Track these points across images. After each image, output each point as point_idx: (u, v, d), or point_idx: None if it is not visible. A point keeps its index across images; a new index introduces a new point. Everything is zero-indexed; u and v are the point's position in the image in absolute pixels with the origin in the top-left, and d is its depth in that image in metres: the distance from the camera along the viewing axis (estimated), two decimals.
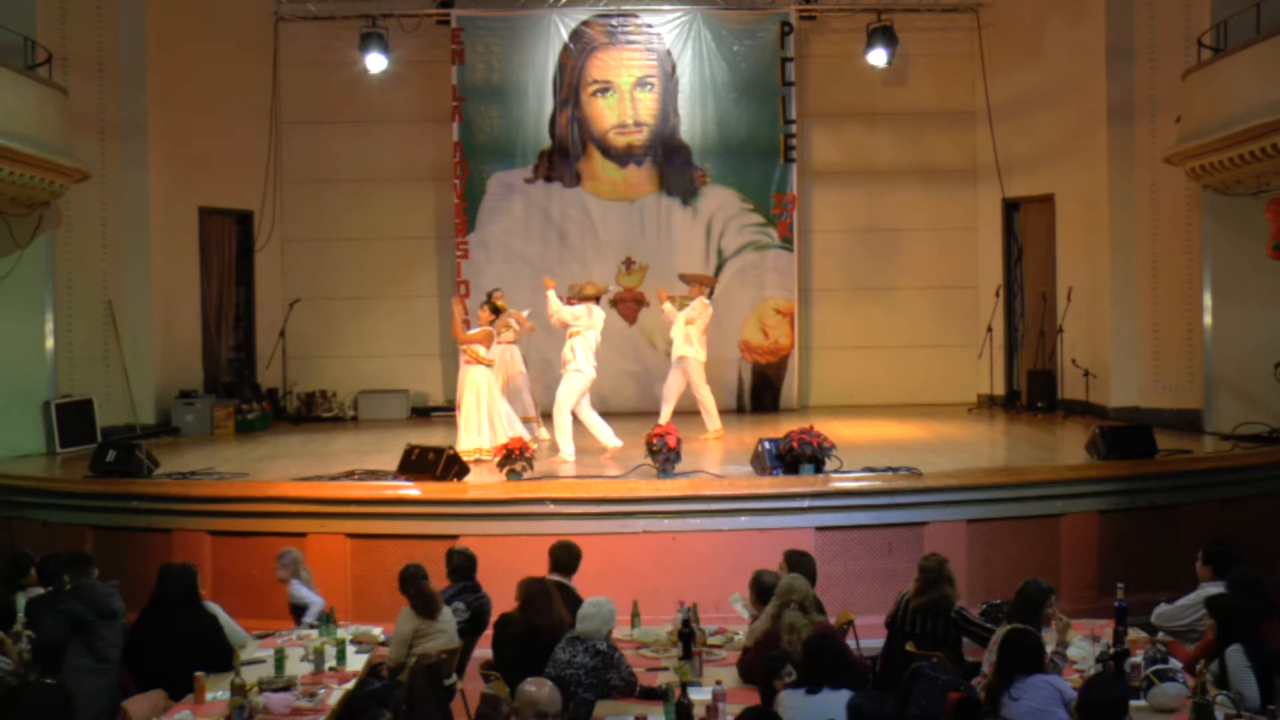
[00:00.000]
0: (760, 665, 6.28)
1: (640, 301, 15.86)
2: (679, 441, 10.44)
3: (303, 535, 9.90)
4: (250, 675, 6.36)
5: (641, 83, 15.89)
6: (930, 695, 5.96)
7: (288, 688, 6.34)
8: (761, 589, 7.02)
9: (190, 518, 10.18)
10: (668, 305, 13.47)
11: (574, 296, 12.29)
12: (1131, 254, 13.84)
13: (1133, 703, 5.82)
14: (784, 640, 6.22)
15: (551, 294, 12.22)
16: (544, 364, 15.63)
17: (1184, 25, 13.23)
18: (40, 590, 7.84)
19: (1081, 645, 6.71)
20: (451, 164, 15.76)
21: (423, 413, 15.70)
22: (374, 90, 15.80)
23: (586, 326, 11.93)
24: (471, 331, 12.03)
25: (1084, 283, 14.50)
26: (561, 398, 11.92)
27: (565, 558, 7.71)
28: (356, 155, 16.07)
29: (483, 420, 11.58)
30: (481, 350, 11.75)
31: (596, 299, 12.20)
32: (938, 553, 7.52)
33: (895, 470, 10.30)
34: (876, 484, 10.12)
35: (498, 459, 10.40)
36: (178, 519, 10.21)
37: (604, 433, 12.04)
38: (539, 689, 5.04)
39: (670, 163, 15.85)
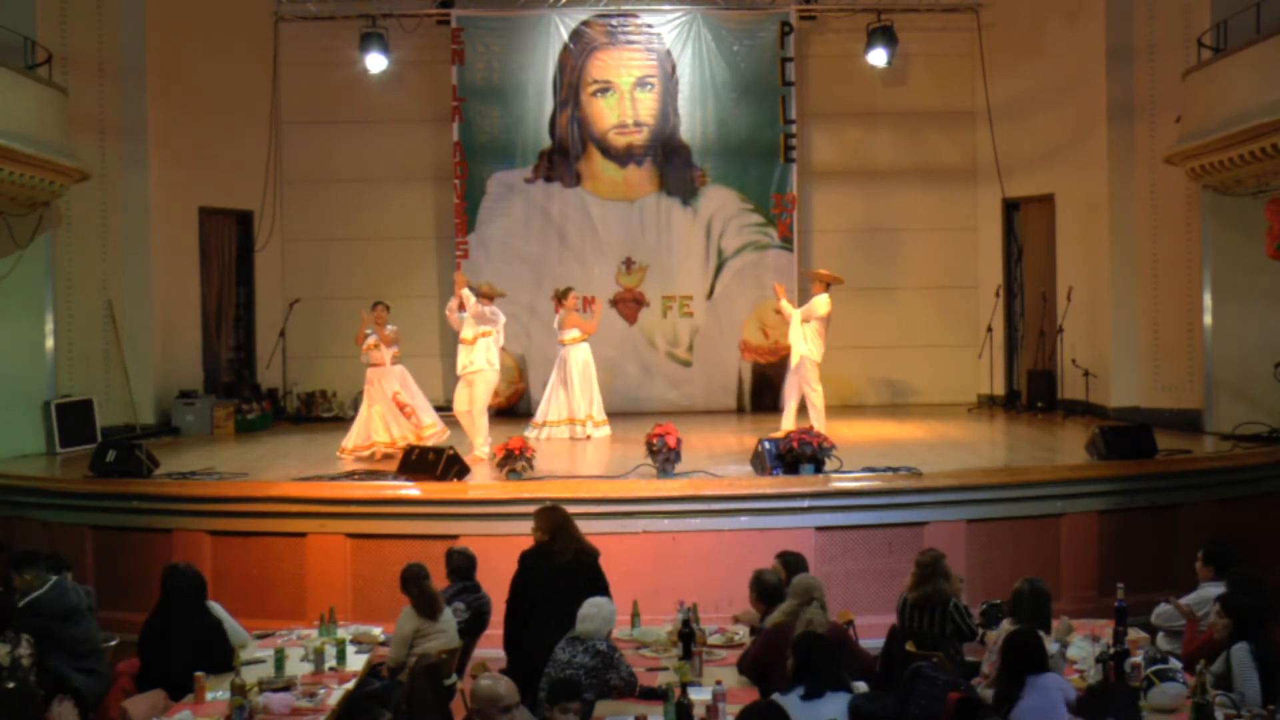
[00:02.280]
0: (764, 659, 6.27)
1: (640, 301, 15.86)
2: (679, 441, 10.45)
3: (303, 535, 9.92)
4: (250, 675, 6.37)
5: (641, 83, 15.89)
6: (930, 695, 5.97)
7: (288, 688, 6.34)
8: (764, 588, 7.03)
9: (190, 518, 10.18)
10: (784, 303, 13.05)
11: (479, 296, 12.21)
12: (1131, 254, 13.84)
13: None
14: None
15: (467, 290, 12.18)
16: (545, 364, 15.65)
17: (1184, 25, 13.23)
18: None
19: (1081, 645, 6.72)
20: (451, 164, 15.75)
21: None
22: (374, 90, 15.80)
23: (501, 325, 12.13)
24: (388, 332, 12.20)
25: (1084, 283, 14.50)
26: (483, 400, 12.04)
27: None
28: (356, 155, 16.07)
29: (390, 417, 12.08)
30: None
31: (492, 300, 12.24)
32: (935, 548, 7.54)
33: (895, 470, 10.30)
34: (876, 484, 10.13)
35: (498, 459, 10.40)
36: (178, 519, 10.21)
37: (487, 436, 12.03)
38: (495, 683, 5.07)
39: (670, 163, 15.85)
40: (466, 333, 12.08)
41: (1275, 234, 11.72)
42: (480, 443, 11.84)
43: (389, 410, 12.10)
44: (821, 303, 12.59)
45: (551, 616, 6.87)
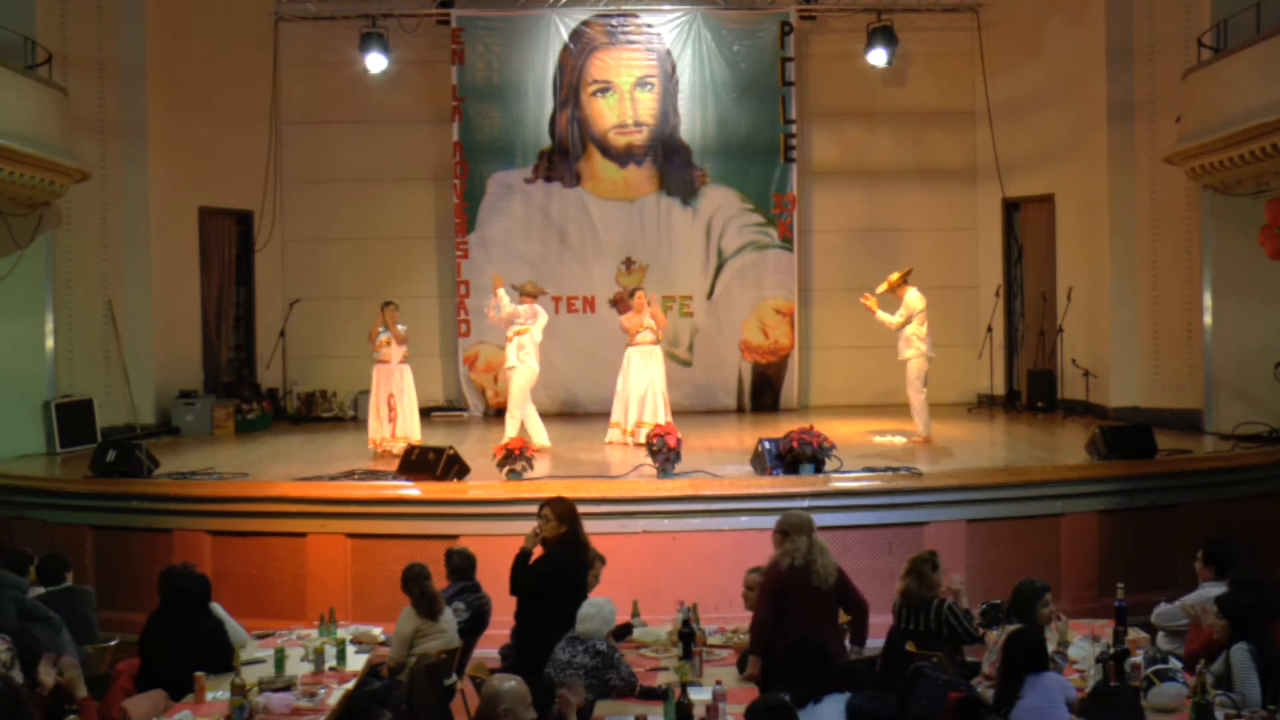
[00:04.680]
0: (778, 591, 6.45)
1: None
2: (679, 441, 10.45)
3: (303, 535, 9.92)
4: (250, 675, 6.36)
5: (641, 83, 15.89)
6: (930, 695, 5.96)
7: (288, 688, 6.34)
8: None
9: (190, 518, 10.18)
10: (881, 314, 12.70)
11: (520, 295, 12.58)
12: (1131, 254, 13.84)
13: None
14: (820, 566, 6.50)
15: (501, 292, 12.38)
16: (545, 363, 15.63)
17: (1184, 25, 13.22)
18: (41, 589, 7.85)
19: (1081, 645, 6.71)
20: (451, 164, 15.76)
21: (423, 413, 15.61)
22: (374, 90, 15.80)
23: (540, 322, 12.37)
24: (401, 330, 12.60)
25: (1084, 283, 14.50)
26: (517, 394, 12.33)
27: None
28: (356, 155, 16.07)
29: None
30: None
31: (535, 298, 12.53)
32: (932, 549, 7.54)
33: (895, 470, 10.30)
34: (876, 484, 10.13)
35: (498, 459, 10.40)
36: (178, 519, 10.21)
37: (538, 429, 12.40)
38: (503, 683, 5.05)
39: (670, 163, 15.85)
40: (509, 332, 12.40)
41: (1275, 234, 11.69)
42: (533, 432, 12.16)
43: (384, 408, 12.47)
44: (914, 299, 12.59)
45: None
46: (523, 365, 12.33)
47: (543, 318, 12.48)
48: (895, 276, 12.89)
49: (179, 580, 6.92)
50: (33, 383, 12.82)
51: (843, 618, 7.71)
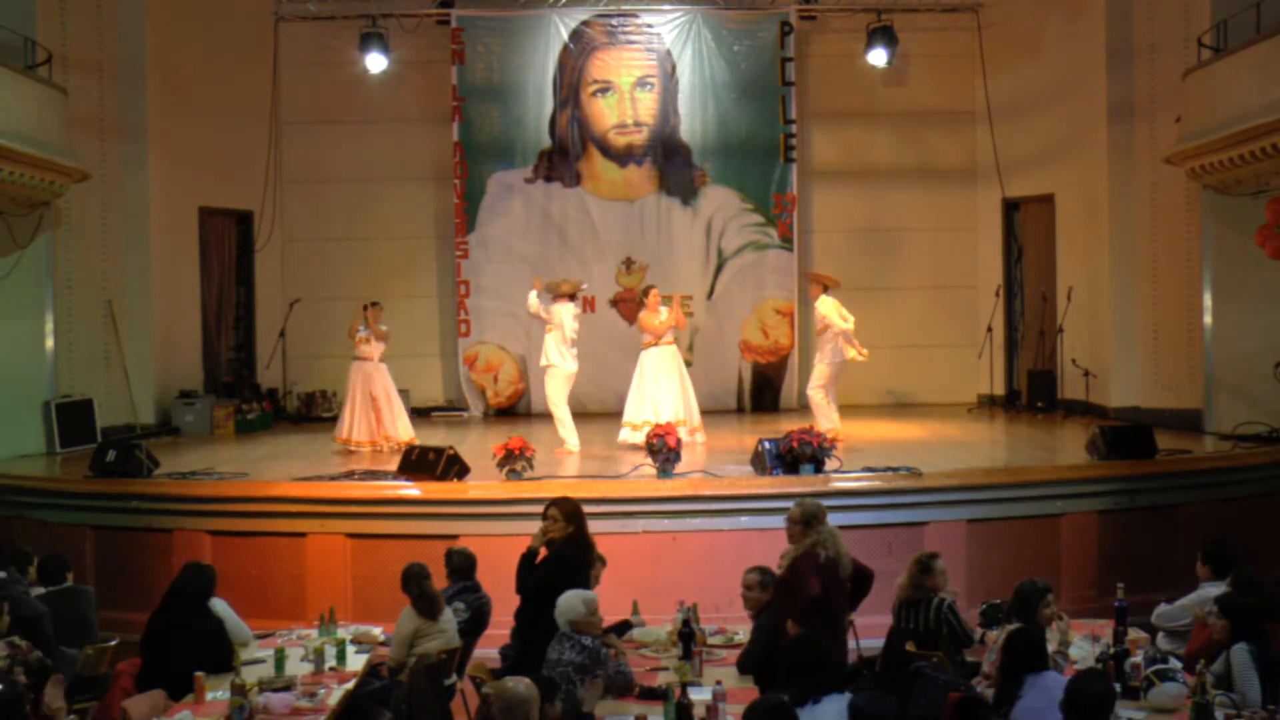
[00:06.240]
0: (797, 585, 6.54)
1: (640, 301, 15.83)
2: (679, 442, 10.45)
3: (303, 535, 9.92)
4: (250, 675, 6.37)
5: (641, 83, 15.89)
6: (930, 695, 5.96)
7: (288, 688, 6.34)
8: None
9: (190, 518, 10.18)
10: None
11: (554, 295, 12.61)
12: (1131, 254, 13.85)
13: (1133, 702, 5.85)
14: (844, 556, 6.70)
15: (532, 294, 12.46)
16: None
17: (1184, 25, 13.24)
18: (42, 589, 7.86)
19: (1081, 645, 6.72)
20: (451, 164, 15.76)
21: (423, 413, 15.67)
22: (374, 90, 15.80)
23: (562, 323, 12.32)
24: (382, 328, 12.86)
25: (1084, 283, 14.51)
26: (554, 394, 12.34)
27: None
28: (356, 155, 16.07)
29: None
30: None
31: (571, 296, 12.55)
32: (932, 550, 7.56)
33: (895, 470, 10.30)
34: (876, 484, 10.13)
35: (498, 459, 10.40)
36: (178, 519, 10.21)
37: (571, 431, 12.38)
38: (519, 685, 5.04)
39: (670, 163, 15.85)
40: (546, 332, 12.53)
41: (1275, 234, 11.68)
42: (565, 435, 12.20)
43: (366, 406, 12.63)
44: (823, 309, 12.70)
45: None
46: (553, 365, 12.34)
47: (567, 315, 12.27)
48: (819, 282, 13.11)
49: (178, 578, 6.93)
50: (33, 383, 12.82)
51: None
